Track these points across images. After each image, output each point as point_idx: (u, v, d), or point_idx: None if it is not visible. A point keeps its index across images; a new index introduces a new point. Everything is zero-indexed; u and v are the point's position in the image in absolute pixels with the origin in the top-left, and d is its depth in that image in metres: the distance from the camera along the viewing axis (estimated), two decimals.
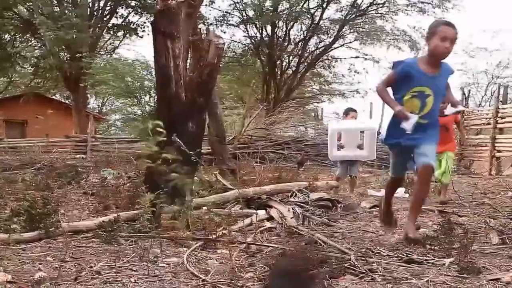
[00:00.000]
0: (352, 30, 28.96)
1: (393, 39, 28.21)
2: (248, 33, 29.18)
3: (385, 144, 5.90)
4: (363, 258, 4.81)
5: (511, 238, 5.96)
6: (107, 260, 4.59)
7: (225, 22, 28.59)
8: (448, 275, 4.42)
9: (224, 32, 29.19)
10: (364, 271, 4.37)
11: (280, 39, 28.92)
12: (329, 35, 29.11)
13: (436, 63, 5.44)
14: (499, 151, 17.72)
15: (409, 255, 4.99)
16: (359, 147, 10.08)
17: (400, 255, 5.02)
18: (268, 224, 6.25)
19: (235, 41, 29.97)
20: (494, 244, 5.73)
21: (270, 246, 5.18)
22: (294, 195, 7.84)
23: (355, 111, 10.80)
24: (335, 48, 30.07)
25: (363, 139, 10.07)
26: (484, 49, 29.70)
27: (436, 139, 5.64)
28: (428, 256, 5.01)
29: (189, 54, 6.56)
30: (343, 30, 28.50)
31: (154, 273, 4.22)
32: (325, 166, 16.42)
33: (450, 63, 5.53)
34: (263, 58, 29.30)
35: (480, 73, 30.00)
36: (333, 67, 32.24)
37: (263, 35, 28.83)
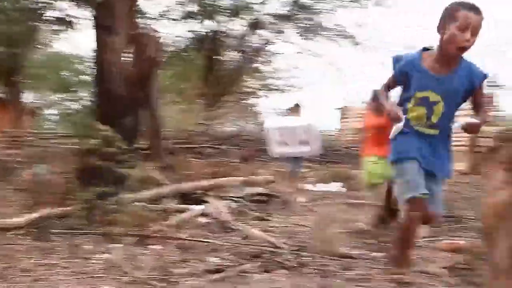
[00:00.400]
0: (293, 26, 29.09)
1: (334, 35, 28.46)
2: (189, 28, 29.01)
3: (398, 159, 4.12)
4: (296, 252, 4.84)
5: (440, 231, 6.11)
6: (38, 258, 4.51)
7: (167, 16, 28.35)
8: (377, 268, 4.49)
9: (166, 27, 28.97)
10: (296, 265, 4.41)
11: (222, 34, 28.84)
12: (271, 30, 29.17)
13: (450, 60, 4.00)
14: None
15: (341, 249, 5.05)
16: (302, 143, 10.05)
17: (332, 250, 5.07)
18: (203, 219, 6.24)
19: (176, 36, 29.77)
20: (424, 237, 5.85)
21: (205, 242, 5.17)
22: (230, 190, 7.84)
23: (298, 105, 10.78)
24: (276, 43, 30.14)
25: (305, 136, 10.05)
26: (421, 46, 30.20)
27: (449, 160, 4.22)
28: (359, 250, 5.09)
29: (129, 48, 6.49)
30: (285, 25, 28.60)
31: (86, 270, 4.16)
32: (264, 161, 16.48)
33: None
34: (204, 53, 29.17)
35: None
36: (274, 62, 32.32)
37: (205, 30, 28.71)
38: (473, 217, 6.64)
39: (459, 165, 16.37)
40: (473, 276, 4.03)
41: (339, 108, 22.76)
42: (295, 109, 10.78)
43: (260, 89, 35.03)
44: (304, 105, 10.72)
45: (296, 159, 10.43)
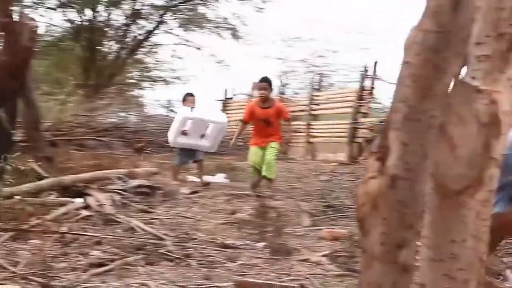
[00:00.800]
0: (174, 17, 28.92)
1: (215, 26, 28.53)
2: (67, 17, 28.25)
3: None
4: (180, 244, 4.85)
5: (322, 220, 6.29)
6: None
7: (43, 5, 27.46)
8: (261, 258, 4.59)
9: (41, 16, 28.03)
10: (180, 257, 4.42)
11: (101, 24, 28.26)
12: (151, 21, 28.88)
13: None
14: (314, 137, 18.51)
15: (224, 240, 5.11)
16: (202, 137, 9.73)
17: (216, 240, 5.12)
18: (85, 213, 6.11)
19: (53, 25, 28.89)
20: (305, 226, 6.01)
21: (86, 235, 5.08)
22: (113, 182, 7.73)
23: (192, 95, 10.55)
24: (157, 34, 29.88)
25: (209, 130, 9.76)
26: (300, 39, 30.85)
27: None
28: (243, 240, 5.17)
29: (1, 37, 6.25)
30: (165, 16, 28.39)
31: None
32: (147, 153, 16.33)
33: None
34: (83, 43, 28.49)
35: (297, 62, 31.15)
36: (155, 53, 32.03)
37: (83, 20, 28.04)
38: (352, 206, 6.87)
39: (339, 156, 16.87)
40: (352, 263, 4.18)
41: (220, 100, 22.83)
42: (188, 98, 10.56)
43: (144, 81, 34.65)
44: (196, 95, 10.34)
45: (192, 151, 9.92)
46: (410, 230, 1.76)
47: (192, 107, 9.80)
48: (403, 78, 1.72)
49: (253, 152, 8.54)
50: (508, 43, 1.43)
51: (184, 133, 9.56)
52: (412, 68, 1.70)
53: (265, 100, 8.61)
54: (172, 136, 9.66)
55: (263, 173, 8.33)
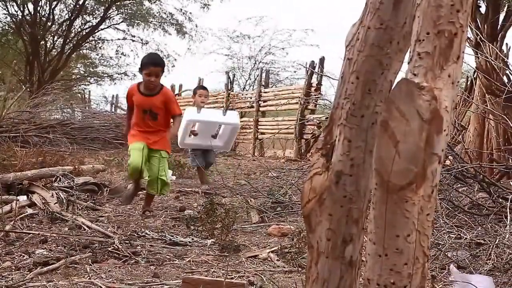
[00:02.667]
0: (119, 12, 28.64)
1: (160, 22, 28.35)
2: (8, 11, 27.69)
3: None
4: (127, 241, 4.82)
5: (270, 216, 6.31)
6: None
7: None
8: (209, 255, 4.58)
9: None
10: (127, 254, 4.39)
11: (44, 19, 27.80)
12: (95, 16, 28.54)
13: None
14: (262, 133, 18.58)
15: (172, 237, 5.09)
16: (213, 137, 9.21)
17: (165, 238, 5.10)
18: (29, 211, 6.01)
19: None
20: (254, 223, 6.03)
21: (31, 233, 4.99)
22: (58, 179, 7.61)
23: (205, 89, 10.13)
24: (102, 29, 29.55)
25: (221, 130, 9.36)
26: (247, 36, 30.88)
27: None
28: (191, 237, 5.15)
29: None
30: (110, 11, 28.08)
31: None
32: (93, 150, 16.14)
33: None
34: (25, 38, 27.96)
35: (244, 58, 31.18)
36: (100, 48, 31.68)
37: (25, 14, 27.53)
38: (300, 202, 6.90)
39: (287, 152, 16.96)
40: (300, 259, 4.21)
41: None
42: (199, 92, 9.62)
43: (89, 76, 34.23)
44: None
45: (207, 151, 9.29)
46: (356, 226, 1.79)
47: (202, 106, 9.28)
48: (346, 75, 1.74)
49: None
50: (448, 40, 1.45)
51: (193, 133, 9.13)
52: (354, 64, 1.72)
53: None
54: (179, 138, 8.98)
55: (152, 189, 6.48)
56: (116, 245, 4.57)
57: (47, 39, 28.98)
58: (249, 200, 6.92)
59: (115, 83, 33.04)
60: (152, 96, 6.35)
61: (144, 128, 6.38)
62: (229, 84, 22.17)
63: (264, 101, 18.88)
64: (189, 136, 9.12)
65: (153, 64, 6.29)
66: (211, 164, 9.56)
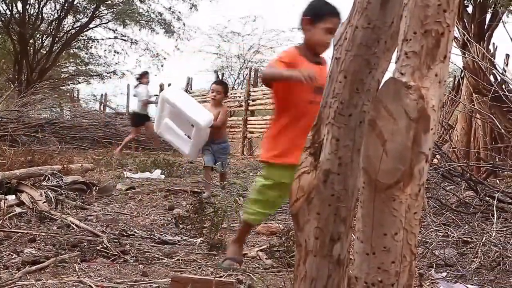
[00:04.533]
0: (109, 10, 28.54)
1: (148, 21, 28.28)
2: None
3: None
4: (116, 240, 4.81)
5: None
6: None
7: None
8: (198, 253, 4.59)
9: None
10: (116, 253, 4.38)
11: (33, 17, 27.66)
12: (85, 15, 28.43)
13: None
14: (251, 132, 18.58)
15: (161, 236, 5.09)
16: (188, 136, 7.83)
17: (153, 236, 5.09)
18: (18, 210, 5.99)
19: None
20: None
21: (19, 232, 4.97)
22: (47, 179, 7.59)
23: (220, 84, 9.58)
24: (91, 28, 29.45)
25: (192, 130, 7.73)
26: (237, 34, 30.88)
27: None
28: (180, 236, 5.15)
29: None
30: (100, 10, 27.98)
31: None
32: (82, 148, 16.10)
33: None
34: (14, 37, 27.81)
35: (233, 57, 31.18)
36: (90, 47, 31.56)
37: (14, 12, 27.38)
38: (288, 201, 6.91)
39: None
40: (288, 258, 4.22)
41: (156, 95, 22.68)
42: (214, 88, 9.06)
43: (78, 75, 34.10)
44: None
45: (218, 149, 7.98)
46: (344, 224, 1.80)
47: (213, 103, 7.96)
48: (334, 74, 1.75)
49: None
50: (434, 39, 1.46)
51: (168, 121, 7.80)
52: (342, 64, 1.73)
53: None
54: (156, 123, 7.88)
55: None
56: (104, 244, 4.56)
57: (36, 38, 28.85)
58: (238, 199, 6.92)
59: (104, 82, 32.92)
60: (321, 65, 4.03)
61: (305, 124, 3.43)
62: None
63: (253, 100, 18.88)
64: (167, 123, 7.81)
65: (338, 15, 3.94)
66: (222, 171, 8.19)
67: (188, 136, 7.78)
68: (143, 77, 15.12)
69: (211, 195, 7.41)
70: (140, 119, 14.94)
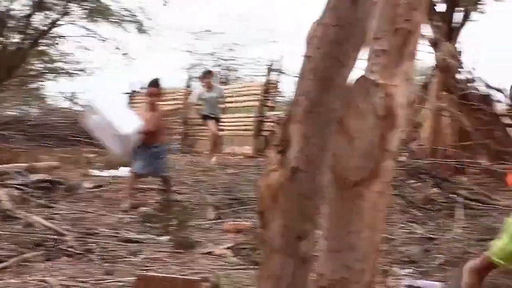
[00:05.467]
0: (78, 7, 28.28)
1: (119, 19, 28.07)
2: None
3: None
4: (81, 239, 4.75)
5: (226, 213, 6.30)
6: None
7: None
8: (164, 251, 4.55)
9: None
10: (81, 252, 4.33)
11: (1, 14, 27.30)
12: (55, 12, 28.12)
13: None
14: (221, 130, 18.52)
15: (127, 235, 5.04)
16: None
17: (119, 235, 5.04)
18: None
19: None
20: (210, 220, 6.01)
21: None
22: (12, 177, 7.48)
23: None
24: (61, 25, 29.14)
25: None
26: (210, 32, 30.78)
27: None
28: (146, 234, 5.11)
29: None
30: (69, 7, 27.71)
31: None
32: (49, 147, 15.94)
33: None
34: None
35: (206, 55, 31.09)
36: (59, 44, 31.24)
37: None
38: (255, 199, 6.90)
39: (246, 149, 16.95)
40: (254, 256, 4.21)
41: (127, 93, 22.48)
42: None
43: (46, 73, 33.73)
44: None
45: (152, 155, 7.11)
46: (310, 222, 1.78)
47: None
48: (305, 72, 1.73)
49: None
50: (404, 38, 1.46)
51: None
52: (313, 62, 1.71)
53: None
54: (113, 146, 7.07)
55: None
56: (69, 242, 4.50)
57: (4, 35, 28.46)
58: (205, 197, 6.89)
59: (72, 80, 32.59)
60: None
61: None
62: (190, 81, 22.08)
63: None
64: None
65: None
66: (161, 176, 7.11)
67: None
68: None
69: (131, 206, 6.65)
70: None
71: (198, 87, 14.33)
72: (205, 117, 13.74)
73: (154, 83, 7.60)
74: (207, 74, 13.78)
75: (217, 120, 13.70)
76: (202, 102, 13.41)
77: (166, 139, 7.83)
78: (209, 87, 13.08)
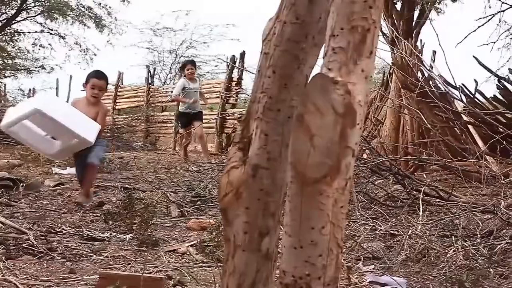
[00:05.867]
0: (36, 4, 27.91)
1: (78, 15, 27.77)
2: None
3: None
4: (43, 237, 4.71)
5: (190, 210, 6.29)
6: None
7: None
8: (128, 250, 4.54)
9: None
10: (43, 250, 4.29)
11: None
12: (11, 7, 27.71)
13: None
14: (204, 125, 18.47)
15: (90, 233, 5.01)
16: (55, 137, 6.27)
17: (82, 233, 5.01)
18: None
19: None
20: (174, 217, 6.00)
21: None
22: None
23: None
24: (18, 21, 28.72)
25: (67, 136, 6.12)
26: (170, 29, 30.66)
27: None
28: (109, 232, 5.08)
29: None
30: (27, 3, 27.33)
31: None
32: (9, 144, 15.70)
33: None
34: None
35: (165, 52, 30.96)
36: (17, 41, 30.79)
37: None
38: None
39: (209, 146, 16.92)
40: (219, 253, 4.22)
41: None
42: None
43: (5, 69, 33.24)
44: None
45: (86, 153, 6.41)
46: (272, 218, 1.80)
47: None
48: (263, 69, 1.75)
49: None
50: (361, 35, 1.48)
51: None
52: (271, 59, 1.73)
53: None
54: (8, 121, 6.02)
55: None
56: (31, 241, 4.46)
57: None
58: (169, 195, 6.88)
59: (31, 77, 32.20)
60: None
61: None
62: (150, 78, 22.00)
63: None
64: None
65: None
66: (90, 164, 6.49)
67: (53, 137, 6.26)
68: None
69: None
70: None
71: (180, 78, 13.68)
72: (182, 121, 12.60)
73: (102, 74, 6.81)
74: (191, 63, 12.89)
75: (198, 117, 12.59)
76: (185, 94, 12.33)
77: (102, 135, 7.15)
78: (192, 78, 12.36)
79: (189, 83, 12.20)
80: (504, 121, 9.48)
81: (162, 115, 20.31)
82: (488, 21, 10.60)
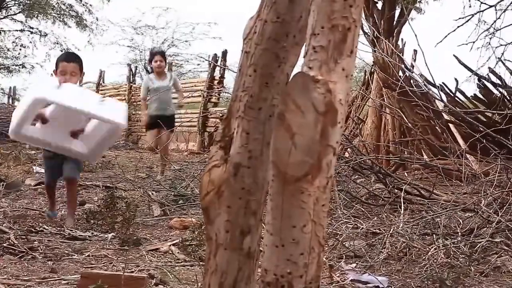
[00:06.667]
0: (16, 2, 27.71)
1: (59, 14, 27.60)
2: None
3: None
4: (24, 237, 4.68)
5: (172, 209, 6.28)
6: None
7: None
8: (110, 249, 4.52)
9: None
10: (24, 250, 4.27)
11: None
12: None
13: None
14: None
15: (71, 232, 4.98)
16: (74, 134, 5.18)
17: (63, 232, 4.99)
18: None
19: None
20: (156, 216, 5.99)
21: None
22: None
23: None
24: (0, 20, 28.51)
25: (91, 127, 5.21)
26: (152, 27, 30.56)
27: None
28: (91, 232, 5.06)
29: None
30: (7, 1, 27.12)
31: None
32: None
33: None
34: None
35: (147, 50, 30.84)
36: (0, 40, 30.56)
37: None
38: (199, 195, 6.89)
39: (190, 145, 16.91)
40: (201, 252, 4.22)
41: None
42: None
43: None
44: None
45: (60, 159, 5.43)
46: (254, 217, 1.80)
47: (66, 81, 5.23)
48: (244, 68, 1.76)
49: None
50: (342, 34, 1.48)
51: (41, 118, 5.08)
52: (252, 57, 1.74)
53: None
54: (15, 123, 4.93)
55: None
56: (12, 240, 4.43)
57: None
58: (150, 193, 6.87)
59: (12, 75, 31.95)
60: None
61: None
62: (131, 76, 21.91)
63: None
64: (33, 124, 5.14)
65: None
66: (72, 179, 5.61)
67: (74, 134, 5.21)
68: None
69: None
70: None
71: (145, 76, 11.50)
72: (150, 124, 9.77)
73: (68, 56, 5.72)
74: (158, 54, 9.86)
75: (168, 123, 9.50)
76: (151, 94, 9.64)
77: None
78: (160, 74, 9.65)
79: (154, 81, 9.59)
80: (484, 120, 9.56)
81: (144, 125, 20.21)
82: (467, 21, 10.66)
